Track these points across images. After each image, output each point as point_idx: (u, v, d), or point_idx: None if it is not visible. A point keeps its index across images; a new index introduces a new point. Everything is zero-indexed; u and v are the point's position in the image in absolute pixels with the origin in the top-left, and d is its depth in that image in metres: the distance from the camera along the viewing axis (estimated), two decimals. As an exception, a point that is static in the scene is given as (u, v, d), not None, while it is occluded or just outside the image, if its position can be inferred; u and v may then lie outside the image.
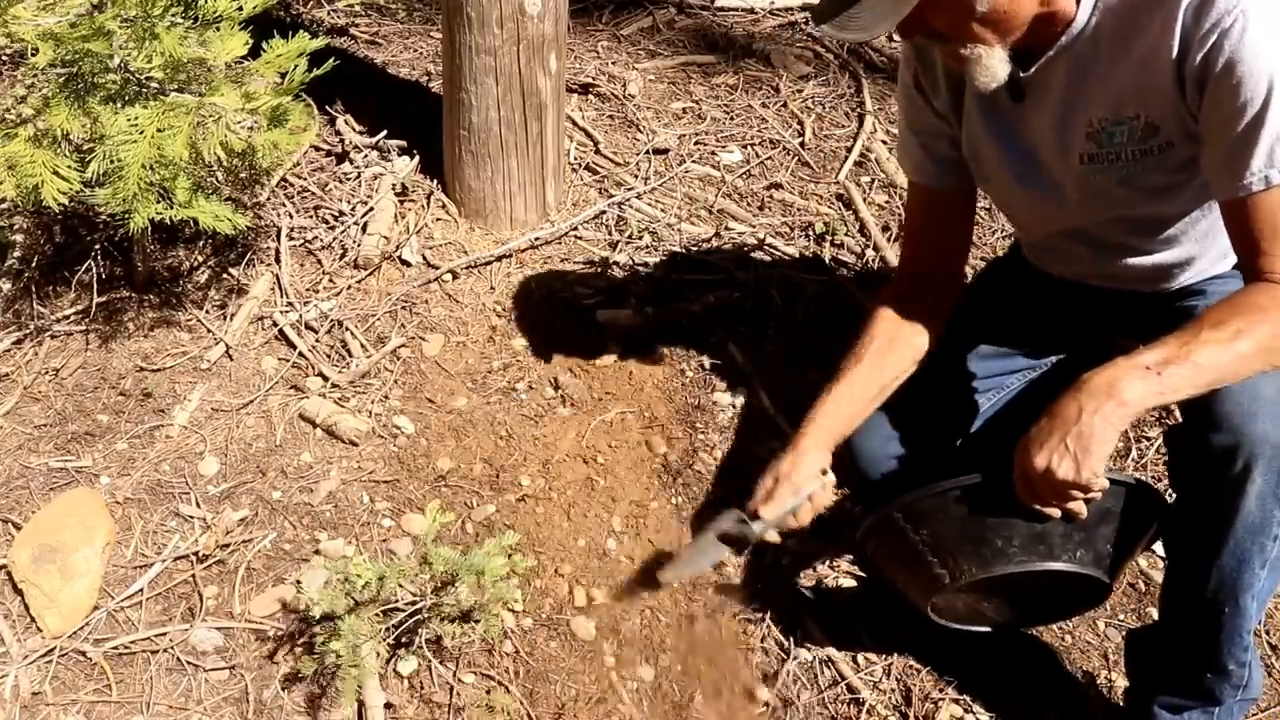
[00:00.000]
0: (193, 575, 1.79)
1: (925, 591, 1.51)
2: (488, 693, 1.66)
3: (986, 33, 1.37)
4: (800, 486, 1.56)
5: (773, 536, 1.58)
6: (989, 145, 1.61)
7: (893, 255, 2.53)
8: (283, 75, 1.94)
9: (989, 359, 1.87)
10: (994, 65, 1.40)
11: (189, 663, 1.67)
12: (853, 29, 1.34)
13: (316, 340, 2.21)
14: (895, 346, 1.68)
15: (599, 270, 2.45)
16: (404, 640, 1.65)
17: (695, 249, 2.52)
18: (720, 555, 1.65)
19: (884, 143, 2.91)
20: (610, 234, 2.56)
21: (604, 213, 2.59)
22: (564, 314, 2.33)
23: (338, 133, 2.68)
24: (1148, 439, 2.14)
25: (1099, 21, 1.39)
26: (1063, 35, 1.41)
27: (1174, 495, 1.49)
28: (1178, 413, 1.47)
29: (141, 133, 1.75)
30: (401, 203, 2.50)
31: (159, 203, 1.86)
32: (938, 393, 1.88)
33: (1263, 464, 1.31)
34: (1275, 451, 1.31)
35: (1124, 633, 1.83)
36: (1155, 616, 1.87)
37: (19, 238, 2.22)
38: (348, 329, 2.23)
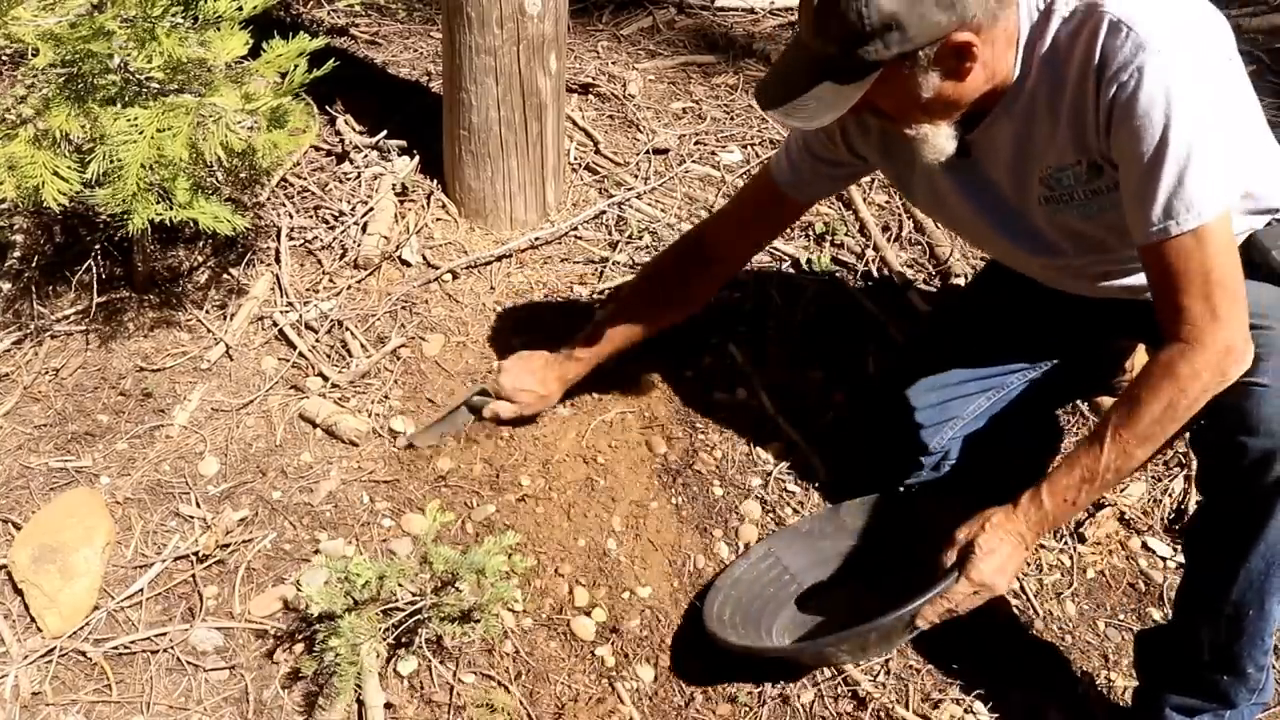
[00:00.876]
0: (193, 575, 1.79)
1: (813, 663, 1.72)
2: (487, 693, 1.66)
3: (932, 115, 1.41)
4: (549, 395, 1.98)
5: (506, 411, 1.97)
6: (958, 200, 1.64)
7: (893, 255, 2.53)
8: (283, 75, 1.94)
9: (989, 360, 1.87)
10: (939, 142, 1.45)
11: (189, 663, 1.67)
12: (799, 117, 1.37)
13: (316, 340, 2.22)
14: (671, 303, 1.96)
15: (599, 270, 2.45)
16: (404, 640, 1.65)
17: (695, 249, 2.52)
18: (467, 420, 2.03)
19: (884, 143, 2.91)
20: (610, 234, 2.56)
21: (604, 213, 2.60)
22: (564, 314, 2.33)
23: (338, 133, 2.68)
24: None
25: (1035, 80, 1.42)
26: (1001, 97, 1.45)
27: (1200, 496, 1.49)
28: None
29: (141, 133, 1.75)
30: (401, 203, 2.51)
31: (159, 203, 1.85)
32: (935, 392, 1.88)
33: None
34: None
35: (1124, 633, 1.83)
36: (1155, 617, 1.87)
37: (19, 238, 2.22)
38: (348, 329, 2.23)
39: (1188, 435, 1.59)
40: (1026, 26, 1.38)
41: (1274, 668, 1.78)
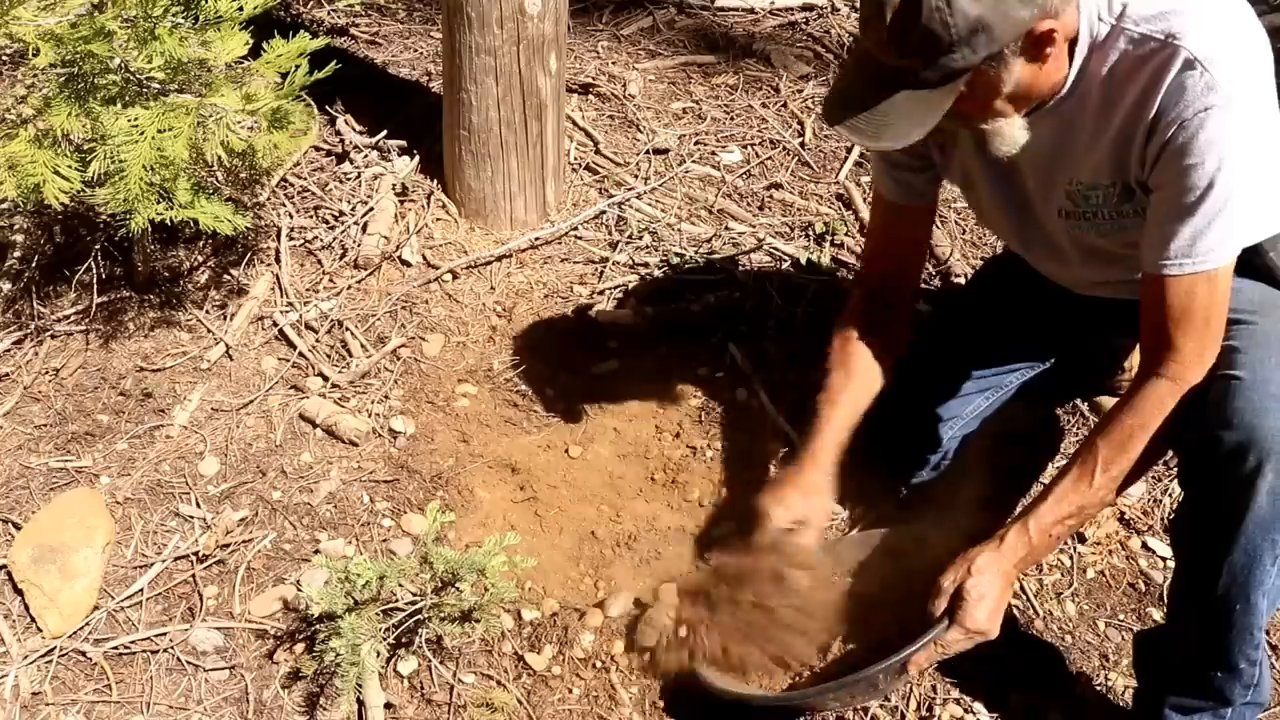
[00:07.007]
0: (193, 575, 1.79)
1: (804, 709, 1.66)
2: (487, 693, 1.66)
3: (1009, 107, 1.40)
4: (826, 494, 1.68)
5: None
6: (985, 187, 1.64)
7: (893, 255, 2.53)
8: (283, 76, 1.94)
9: (989, 359, 1.87)
10: (1013, 133, 1.43)
11: (189, 663, 1.67)
12: (888, 138, 1.34)
13: (316, 340, 2.22)
14: (870, 369, 1.74)
15: (599, 270, 2.45)
16: (404, 640, 1.65)
17: (695, 249, 2.53)
18: None
19: (884, 143, 2.91)
20: (610, 234, 2.56)
21: (604, 213, 2.60)
22: (564, 314, 2.33)
23: (338, 133, 2.68)
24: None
25: (1087, 87, 1.41)
26: (1052, 97, 1.44)
27: (1183, 492, 1.49)
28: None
29: (142, 133, 1.75)
30: (401, 203, 2.51)
31: (160, 203, 1.86)
32: (933, 392, 1.89)
33: (1275, 460, 1.32)
34: None
35: (1124, 633, 1.83)
36: (1155, 617, 1.87)
37: (19, 238, 2.22)
38: (348, 329, 2.23)
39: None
40: (1086, 31, 1.37)
41: (1274, 666, 1.78)
